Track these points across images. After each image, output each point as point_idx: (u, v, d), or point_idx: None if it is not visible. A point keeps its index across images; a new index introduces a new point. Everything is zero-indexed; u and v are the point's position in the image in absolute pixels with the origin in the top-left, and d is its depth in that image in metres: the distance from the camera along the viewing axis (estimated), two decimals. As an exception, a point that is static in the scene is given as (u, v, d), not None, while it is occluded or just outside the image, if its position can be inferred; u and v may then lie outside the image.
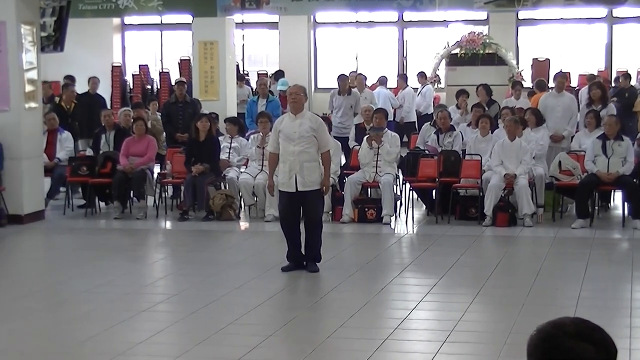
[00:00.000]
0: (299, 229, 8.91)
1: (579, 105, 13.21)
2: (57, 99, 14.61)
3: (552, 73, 17.14)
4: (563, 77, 13.36)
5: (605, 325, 2.26)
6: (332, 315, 7.42)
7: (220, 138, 12.62)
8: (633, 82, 17.70)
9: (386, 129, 12.20)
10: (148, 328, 6.91)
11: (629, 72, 17.99)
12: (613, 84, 18.04)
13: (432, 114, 16.21)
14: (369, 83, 19.69)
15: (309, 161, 8.70)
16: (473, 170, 11.61)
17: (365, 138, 11.91)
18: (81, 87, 15.42)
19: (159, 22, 22.97)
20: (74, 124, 14.02)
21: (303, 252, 8.91)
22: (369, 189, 11.96)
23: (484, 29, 20.90)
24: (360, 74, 16.80)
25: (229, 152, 12.55)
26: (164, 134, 13.76)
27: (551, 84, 15.48)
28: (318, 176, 8.78)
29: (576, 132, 12.87)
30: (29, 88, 11.77)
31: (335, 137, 13.16)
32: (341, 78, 15.10)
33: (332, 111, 14.59)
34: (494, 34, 20.54)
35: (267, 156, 11.94)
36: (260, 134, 12.14)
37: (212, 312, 7.36)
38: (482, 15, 20.61)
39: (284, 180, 8.80)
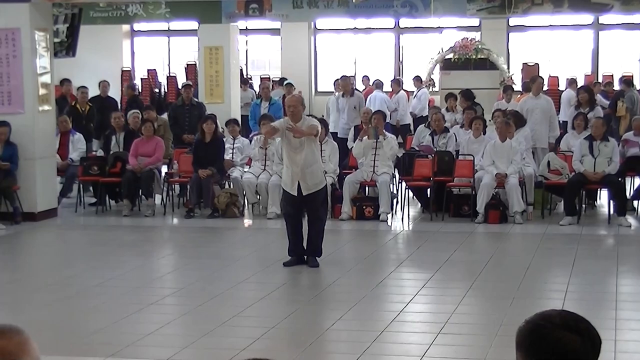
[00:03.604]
0: (301, 224, 9.03)
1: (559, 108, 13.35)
2: (73, 102, 14.68)
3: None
4: (539, 81, 13.46)
5: (592, 318, 2.31)
6: (332, 308, 7.56)
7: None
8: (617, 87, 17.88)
9: (385, 132, 12.35)
10: (156, 320, 7.01)
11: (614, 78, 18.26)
12: (603, 88, 18.22)
13: (427, 116, 16.28)
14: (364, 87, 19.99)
15: (311, 165, 8.85)
16: (466, 170, 11.73)
17: (361, 132, 12.08)
18: (93, 91, 15.53)
19: (167, 29, 22.94)
20: (88, 125, 14.14)
21: (304, 247, 9.02)
22: (367, 188, 12.07)
23: (476, 35, 20.90)
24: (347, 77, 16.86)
25: (232, 153, 12.68)
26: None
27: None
28: (320, 177, 8.95)
29: (563, 133, 13.14)
30: (42, 91, 11.85)
31: (341, 138, 13.50)
32: (343, 79, 15.15)
33: (337, 114, 14.64)
34: (486, 40, 20.61)
35: (269, 157, 12.29)
36: (263, 135, 12.40)
37: (217, 305, 7.48)
38: (474, 22, 20.54)
39: (287, 182, 8.98)
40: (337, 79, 18.19)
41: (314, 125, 8.88)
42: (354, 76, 20.14)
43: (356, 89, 16.28)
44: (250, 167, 12.66)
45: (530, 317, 2.29)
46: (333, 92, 18.36)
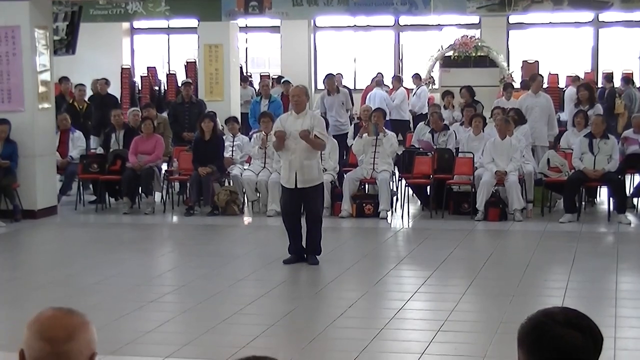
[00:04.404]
0: (300, 223, 9.04)
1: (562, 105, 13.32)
2: (69, 99, 14.71)
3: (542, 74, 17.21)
4: (539, 79, 13.49)
5: (592, 315, 2.32)
6: (331, 305, 7.57)
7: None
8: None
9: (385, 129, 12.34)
10: (156, 318, 7.04)
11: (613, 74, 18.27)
12: (600, 85, 18.24)
13: (426, 113, 16.23)
14: (364, 84, 19.95)
15: (309, 159, 8.86)
16: (466, 168, 11.74)
17: (361, 129, 12.11)
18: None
19: (167, 27, 22.93)
20: (86, 123, 14.17)
21: (304, 246, 9.04)
22: (367, 185, 12.08)
23: (476, 33, 20.90)
24: (335, 74, 16.83)
25: (232, 150, 12.71)
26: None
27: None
28: (317, 174, 8.96)
29: (564, 130, 13.14)
30: (42, 89, 11.87)
31: (332, 136, 13.48)
32: (328, 78, 15.19)
33: (325, 112, 14.62)
34: (486, 37, 20.60)
35: (269, 155, 12.27)
36: (263, 132, 12.31)
37: (217, 303, 7.51)
38: (474, 19, 20.63)
39: (284, 176, 8.99)
40: (324, 78, 18.26)
41: (322, 142, 8.96)
42: (341, 74, 19.98)
43: (344, 85, 16.29)
44: (250, 164, 12.66)
45: (533, 314, 2.30)
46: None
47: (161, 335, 6.63)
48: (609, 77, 17.35)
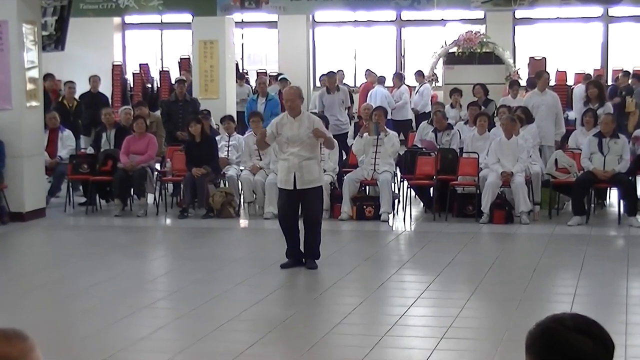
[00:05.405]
0: (297, 226, 8.94)
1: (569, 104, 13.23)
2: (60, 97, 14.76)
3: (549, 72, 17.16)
4: (545, 76, 13.39)
5: (602, 321, 2.31)
6: (331, 311, 7.47)
7: (217, 137, 12.72)
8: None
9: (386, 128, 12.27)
10: (149, 324, 6.99)
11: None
12: (611, 82, 18.19)
13: (429, 112, 16.29)
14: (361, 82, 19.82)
15: (308, 159, 8.77)
16: (470, 168, 11.65)
17: (362, 128, 12.01)
18: (83, 86, 15.49)
19: (159, 22, 23.03)
20: (76, 122, 14.14)
21: (302, 250, 8.95)
22: (367, 187, 12.02)
23: (481, 28, 20.94)
24: (338, 71, 16.68)
25: (228, 150, 12.66)
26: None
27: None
28: (317, 174, 8.86)
29: (570, 130, 13.00)
30: (30, 87, 11.82)
31: (332, 135, 13.27)
32: (329, 75, 15.13)
33: (323, 110, 14.51)
34: (491, 33, 20.62)
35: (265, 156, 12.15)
36: (253, 133, 12.18)
37: (212, 309, 7.43)
38: (479, 14, 20.66)
39: (282, 177, 8.87)
40: (323, 75, 18.06)
41: (332, 140, 9.23)
42: (341, 71, 19.88)
43: (345, 83, 16.21)
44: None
45: (541, 320, 2.29)
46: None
47: (154, 342, 6.57)
48: (638, 75, 17.26)
